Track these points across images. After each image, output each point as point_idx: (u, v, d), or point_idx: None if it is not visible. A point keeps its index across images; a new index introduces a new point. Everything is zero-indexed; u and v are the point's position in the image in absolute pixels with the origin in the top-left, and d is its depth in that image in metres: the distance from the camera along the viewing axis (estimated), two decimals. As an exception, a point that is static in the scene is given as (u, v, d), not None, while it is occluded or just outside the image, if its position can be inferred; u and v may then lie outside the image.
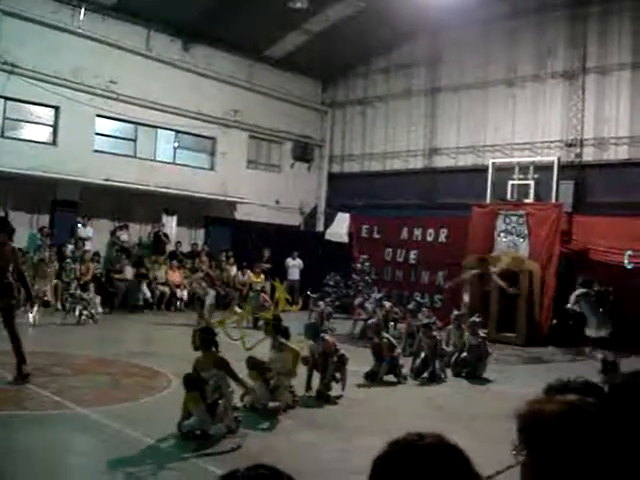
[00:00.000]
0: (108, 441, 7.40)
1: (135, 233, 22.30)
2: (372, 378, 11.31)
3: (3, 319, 9.92)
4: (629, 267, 17.07)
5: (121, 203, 21.83)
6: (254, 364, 9.14)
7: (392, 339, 11.98)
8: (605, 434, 1.70)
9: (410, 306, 15.50)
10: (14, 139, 19.91)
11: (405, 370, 11.69)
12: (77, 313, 16.24)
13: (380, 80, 26.13)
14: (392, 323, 16.43)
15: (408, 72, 25.17)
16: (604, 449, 1.67)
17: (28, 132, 20.45)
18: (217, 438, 7.43)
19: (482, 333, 12.86)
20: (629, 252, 17.00)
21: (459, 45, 23.33)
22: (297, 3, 21.23)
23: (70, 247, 19.88)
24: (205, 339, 7.98)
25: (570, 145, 20.86)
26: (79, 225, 20.70)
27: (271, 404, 8.90)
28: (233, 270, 22.52)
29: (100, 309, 17.45)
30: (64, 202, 20.55)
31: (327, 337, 10.44)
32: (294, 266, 23.12)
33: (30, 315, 14.41)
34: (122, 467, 6.57)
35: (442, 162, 24.19)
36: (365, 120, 26.70)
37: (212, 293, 17.83)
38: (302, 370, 9.75)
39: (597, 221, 18.28)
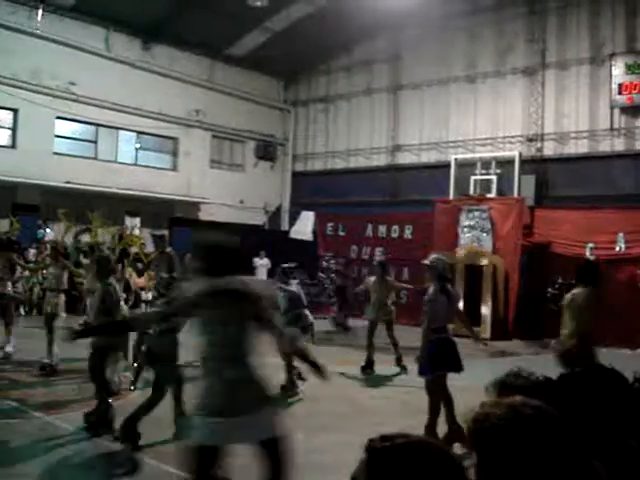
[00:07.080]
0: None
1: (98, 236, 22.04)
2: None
3: None
4: (591, 259, 17.26)
5: (83, 206, 21.57)
6: None
7: None
8: (547, 437, 1.71)
9: None
10: (-29, 143, 19.64)
11: None
12: None
13: (342, 78, 26.15)
14: None
15: (370, 70, 25.23)
16: (545, 452, 1.69)
17: (-14, 135, 20.18)
18: None
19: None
20: (590, 245, 17.23)
21: (420, 42, 23.41)
22: (257, 1, 21.08)
23: (32, 251, 19.60)
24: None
25: (531, 140, 21.07)
26: (42, 229, 20.43)
27: None
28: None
29: (63, 313, 17.03)
30: (25, 206, 20.26)
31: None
32: (262, 265, 22.93)
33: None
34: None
35: (405, 159, 24.30)
36: (328, 118, 26.71)
37: None
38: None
39: (558, 214, 18.51)
